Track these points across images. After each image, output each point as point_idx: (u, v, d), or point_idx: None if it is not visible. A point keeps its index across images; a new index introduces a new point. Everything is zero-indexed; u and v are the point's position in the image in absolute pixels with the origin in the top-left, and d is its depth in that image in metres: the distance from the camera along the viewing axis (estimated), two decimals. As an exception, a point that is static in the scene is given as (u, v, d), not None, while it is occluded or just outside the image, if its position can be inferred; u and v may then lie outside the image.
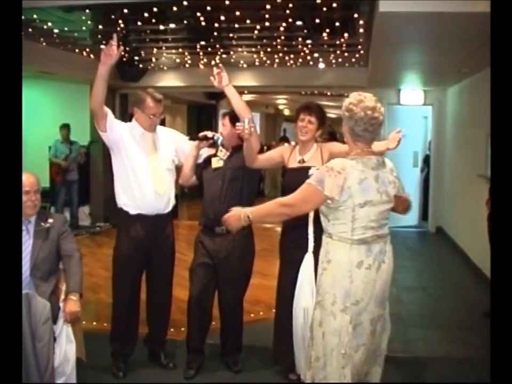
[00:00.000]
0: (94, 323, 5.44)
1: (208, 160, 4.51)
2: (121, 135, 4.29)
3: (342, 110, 3.19)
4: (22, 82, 3.11)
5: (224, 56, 10.27)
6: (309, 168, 3.91)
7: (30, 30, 8.14)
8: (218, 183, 4.37)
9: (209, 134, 4.40)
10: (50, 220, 4.04)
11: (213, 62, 10.78)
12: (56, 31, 8.31)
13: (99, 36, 8.80)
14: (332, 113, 23.94)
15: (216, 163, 4.45)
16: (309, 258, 4.03)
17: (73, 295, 3.79)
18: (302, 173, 3.80)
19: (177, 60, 11.09)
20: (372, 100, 3.15)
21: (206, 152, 4.54)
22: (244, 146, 4.21)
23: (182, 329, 4.98)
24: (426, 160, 11.68)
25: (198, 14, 7.20)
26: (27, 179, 4.00)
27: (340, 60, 10.27)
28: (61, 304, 3.89)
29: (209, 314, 4.52)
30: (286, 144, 4.26)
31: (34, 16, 7.32)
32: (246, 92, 15.79)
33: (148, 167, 4.31)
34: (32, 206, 3.97)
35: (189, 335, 4.54)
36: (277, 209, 3.26)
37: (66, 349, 3.80)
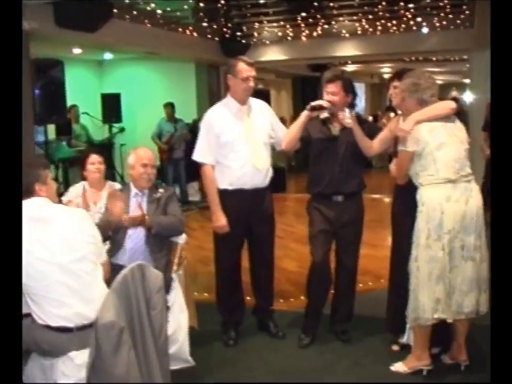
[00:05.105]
0: (205, 294, 5.61)
1: (314, 127, 4.36)
2: (219, 121, 4.34)
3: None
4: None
5: (325, 26, 10.17)
6: None
7: (134, 12, 8.40)
8: (338, 154, 4.30)
9: (324, 103, 4.22)
10: (161, 190, 4.19)
11: (314, 33, 10.73)
12: (159, 11, 8.53)
13: (201, 14, 8.84)
14: (438, 80, 22.99)
15: (335, 131, 4.33)
16: None
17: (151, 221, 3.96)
18: None
19: (279, 33, 11.09)
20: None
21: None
22: (357, 138, 4.17)
23: (291, 299, 5.05)
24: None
25: (298, -15, 7.17)
26: (145, 153, 4.15)
27: (444, 22, 9.90)
28: (173, 275, 4.03)
29: (330, 280, 4.52)
30: (391, 115, 4.14)
31: (138, -2, 7.57)
32: (350, 62, 15.56)
33: (245, 143, 4.32)
34: (147, 179, 4.12)
35: (310, 302, 4.54)
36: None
37: (179, 317, 3.92)
